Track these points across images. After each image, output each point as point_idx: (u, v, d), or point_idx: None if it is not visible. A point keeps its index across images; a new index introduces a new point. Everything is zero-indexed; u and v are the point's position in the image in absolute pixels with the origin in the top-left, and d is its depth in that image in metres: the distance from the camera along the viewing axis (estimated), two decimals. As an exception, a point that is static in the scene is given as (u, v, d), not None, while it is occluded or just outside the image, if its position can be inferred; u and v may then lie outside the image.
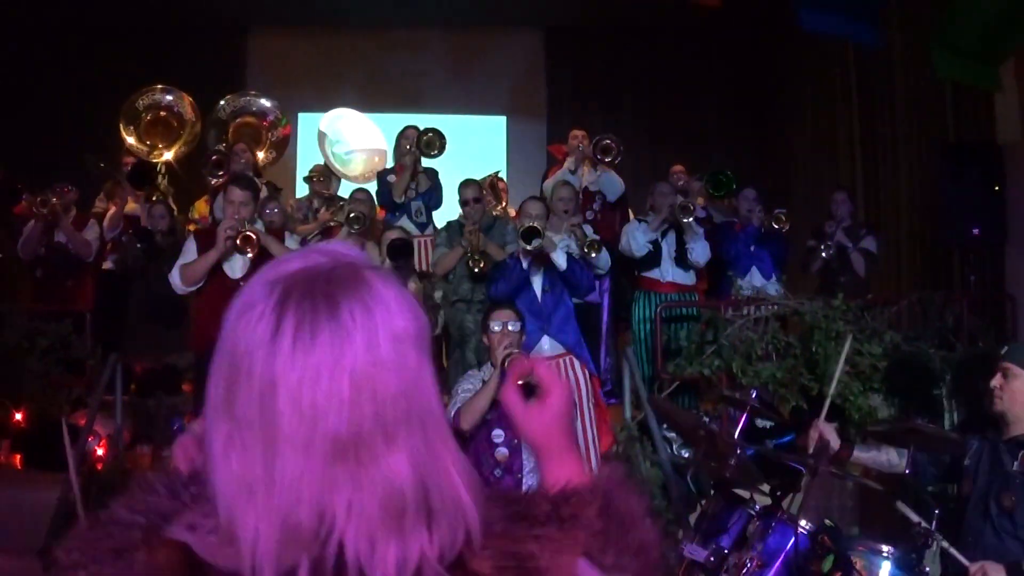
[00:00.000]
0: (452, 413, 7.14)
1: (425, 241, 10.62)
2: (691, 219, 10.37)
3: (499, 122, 17.61)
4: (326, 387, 1.35)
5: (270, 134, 13.05)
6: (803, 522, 5.94)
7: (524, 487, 7.02)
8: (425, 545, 1.37)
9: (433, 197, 10.96)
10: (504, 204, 12.47)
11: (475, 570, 1.40)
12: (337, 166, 12.73)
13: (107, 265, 11.25)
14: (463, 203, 10.21)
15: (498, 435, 7.12)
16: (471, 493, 1.43)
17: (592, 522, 1.50)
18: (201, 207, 12.25)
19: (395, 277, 1.49)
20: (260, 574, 1.33)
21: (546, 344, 8.64)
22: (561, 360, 8.54)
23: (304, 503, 1.34)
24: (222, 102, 13.12)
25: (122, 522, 1.46)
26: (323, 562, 1.34)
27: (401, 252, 8.73)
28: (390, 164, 11.94)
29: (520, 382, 2.03)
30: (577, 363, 8.71)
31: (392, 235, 9.11)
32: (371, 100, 15.56)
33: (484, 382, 7.19)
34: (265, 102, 13.24)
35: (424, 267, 10.20)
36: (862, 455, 6.46)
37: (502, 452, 7.07)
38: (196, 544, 1.39)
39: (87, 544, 1.45)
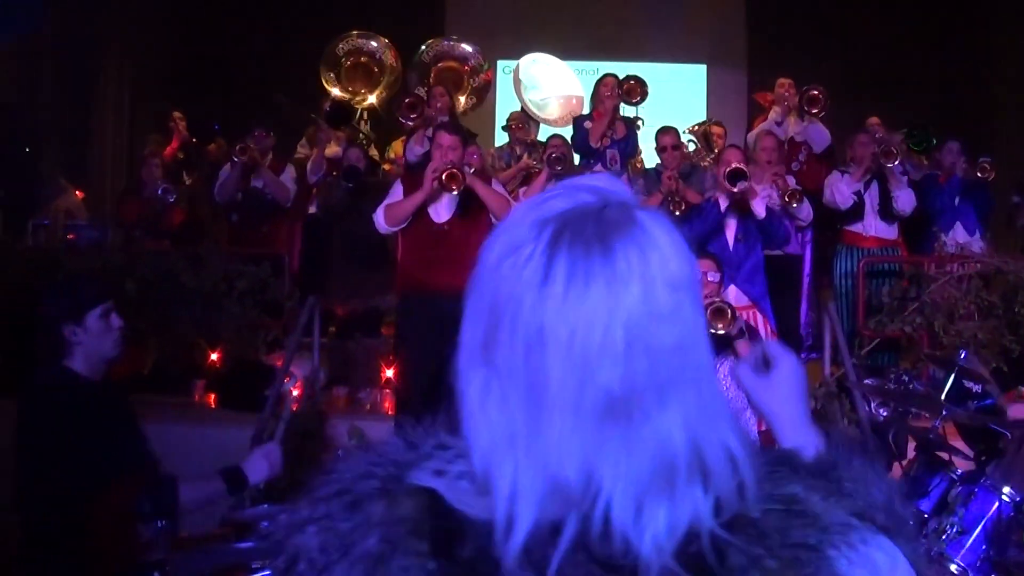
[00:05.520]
0: None
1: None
2: (894, 164, 10.14)
3: (699, 70, 17.38)
4: (599, 338, 1.26)
5: (472, 80, 13.06)
6: (1007, 490, 5.77)
7: None
8: (699, 505, 1.29)
9: (629, 145, 10.87)
10: (717, 152, 12.30)
11: (745, 516, 1.32)
12: (534, 111, 12.69)
13: (312, 210, 11.37)
14: (660, 150, 10.14)
15: None
16: (744, 447, 1.35)
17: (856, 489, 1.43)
18: (398, 148, 12.31)
19: (665, 217, 1.39)
20: (516, 526, 1.27)
21: (732, 293, 8.50)
22: (746, 313, 8.37)
23: (571, 461, 1.26)
24: (423, 46, 13.16)
25: (354, 473, 1.42)
26: (589, 522, 1.27)
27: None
28: (586, 108, 11.89)
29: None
30: (760, 317, 8.61)
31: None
32: (570, 47, 15.47)
33: None
34: (467, 47, 13.24)
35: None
36: None
37: None
38: (445, 490, 1.34)
39: (316, 500, 1.41)
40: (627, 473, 1.26)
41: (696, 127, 12.24)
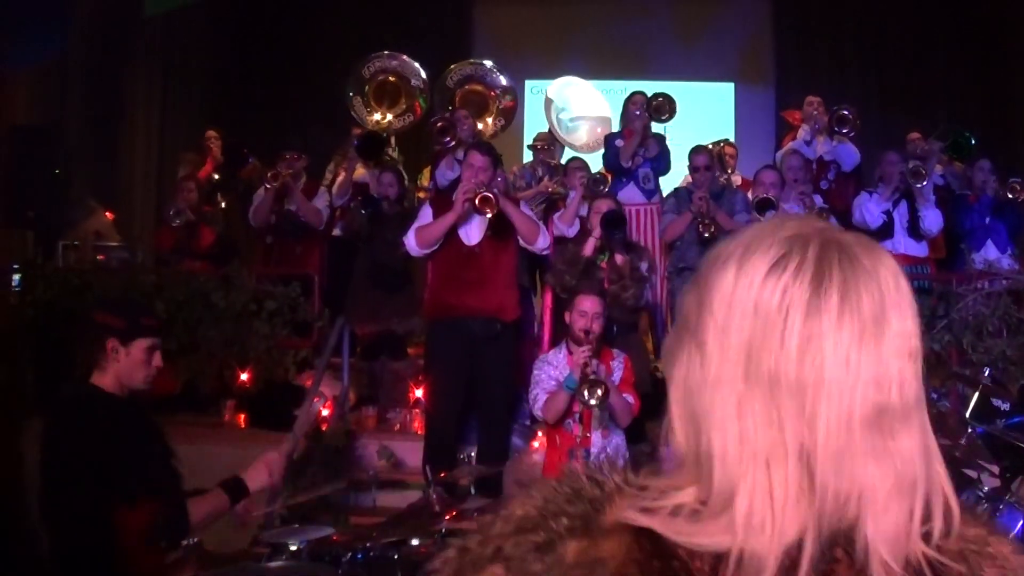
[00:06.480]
0: (535, 400, 7.32)
1: (651, 209, 10.54)
2: (923, 184, 10.13)
3: (727, 89, 17.34)
4: (871, 351, 1.31)
5: (498, 103, 13.04)
6: (1033, 506, 5.78)
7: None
8: (917, 526, 1.32)
9: (661, 163, 10.90)
10: (730, 172, 12.31)
11: (947, 549, 1.36)
12: (562, 134, 12.71)
13: (336, 232, 11.40)
14: (693, 170, 10.15)
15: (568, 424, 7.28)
16: (949, 477, 1.38)
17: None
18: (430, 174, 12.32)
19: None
20: (765, 540, 1.27)
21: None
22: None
23: (842, 471, 1.28)
24: (453, 66, 13.17)
25: (541, 513, 1.38)
26: (831, 535, 1.29)
27: (615, 223, 8.64)
28: (613, 127, 11.94)
29: None
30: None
31: (604, 205, 9.01)
32: (597, 67, 15.49)
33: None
34: (502, 79, 13.20)
35: (643, 237, 10.20)
36: None
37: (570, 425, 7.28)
38: (661, 526, 1.31)
39: (501, 539, 1.37)
40: (876, 487, 1.29)
41: (711, 146, 12.25)
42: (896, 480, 1.29)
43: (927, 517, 1.33)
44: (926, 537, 1.33)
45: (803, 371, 1.29)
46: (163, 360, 4.79)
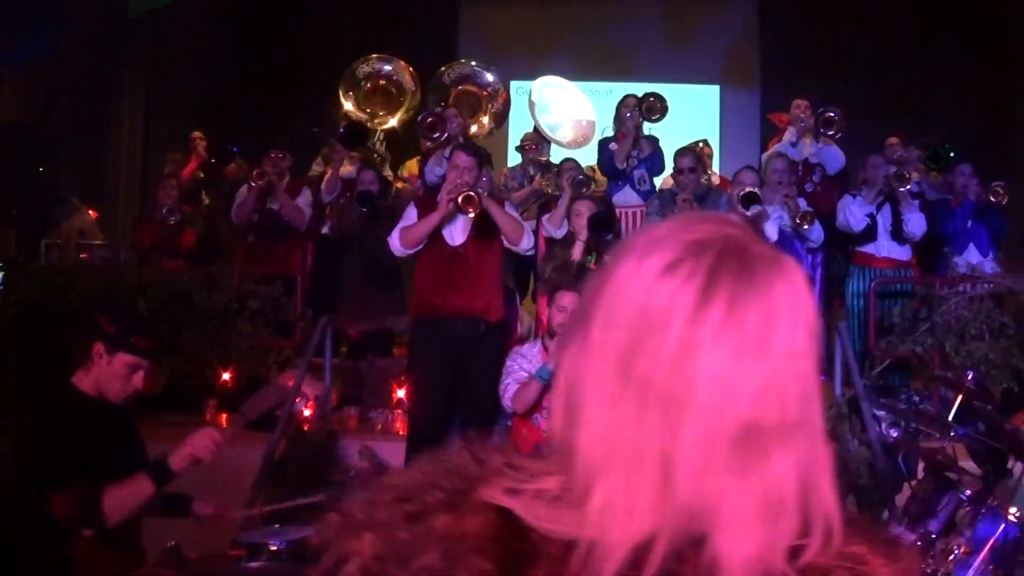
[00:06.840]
0: (505, 390, 7.34)
1: (642, 211, 10.56)
2: (906, 188, 10.17)
3: (712, 91, 17.37)
4: (748, 368, 1.27)
5: (490, 104, 13.08)
6: (1013, 511, 5.78)
7: None
8: (783, 546, 1.30)
9: (655, 163, 10.99)
10: (710, 174, 12.36)
11: (815, 565, 1.33)
12: (548, 133, 12.72)
13: (324, 230, 11.41)
14: (678, 171, 10.18)
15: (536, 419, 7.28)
16: (837, 500, 1.36)
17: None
18: (412, 167, 12.32)
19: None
20: (613, 540, 1.25)
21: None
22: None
23: (693, 480, 1.26)
24: (444, 68, 13.21)
25: (418, 484, 1.39)
26: (682, 543, 1.27)
27: (604, 226, 8.64)
28: (598, 130, 11.98)
29: None
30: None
31: (584, 208, 8.99)
32: (583, 69, 15.49)
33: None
34: (488, 76, 13.25)
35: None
36: None
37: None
38: (521, 508, 1.32)
39: (378, 506, 1.37)
40: (736, 505, 1.27)
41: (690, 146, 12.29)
42: (763, 501, 1.28)
43: (804, 533, 1.32)
44: (796, 552, 1.32)
45: (674, 381, 1.27)
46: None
